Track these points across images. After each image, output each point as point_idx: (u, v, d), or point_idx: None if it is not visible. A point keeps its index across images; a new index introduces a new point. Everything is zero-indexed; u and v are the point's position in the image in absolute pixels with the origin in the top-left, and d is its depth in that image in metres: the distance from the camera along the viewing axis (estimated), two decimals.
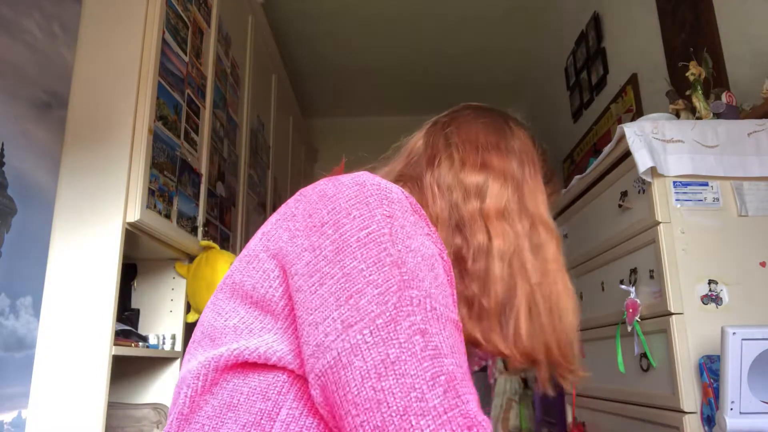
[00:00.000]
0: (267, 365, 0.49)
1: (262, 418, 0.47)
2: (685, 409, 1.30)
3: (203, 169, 1.98)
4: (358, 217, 0.49)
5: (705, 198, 1.42)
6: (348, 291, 0.46)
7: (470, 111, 0.76)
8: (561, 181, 0.81)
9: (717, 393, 1.18)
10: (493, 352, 0.62)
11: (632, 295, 1.50)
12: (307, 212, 0.52)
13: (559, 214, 2.15)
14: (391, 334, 0.43)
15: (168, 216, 1.67)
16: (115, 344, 1.42)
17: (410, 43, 3.81)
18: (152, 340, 1.74)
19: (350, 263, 0.47)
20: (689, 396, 1.31)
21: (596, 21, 3.08)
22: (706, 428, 1.26)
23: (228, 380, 0.50)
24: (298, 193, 0.56)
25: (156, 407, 1.71)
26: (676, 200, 1.42)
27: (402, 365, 0.42)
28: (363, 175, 0.54)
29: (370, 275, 0.46)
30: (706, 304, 1.36)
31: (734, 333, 1.06)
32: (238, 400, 0.49)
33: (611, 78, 2.96)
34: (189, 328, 1.89)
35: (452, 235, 0.63)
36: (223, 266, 1.86)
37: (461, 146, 0.70)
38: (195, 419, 0.50)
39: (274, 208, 3.60)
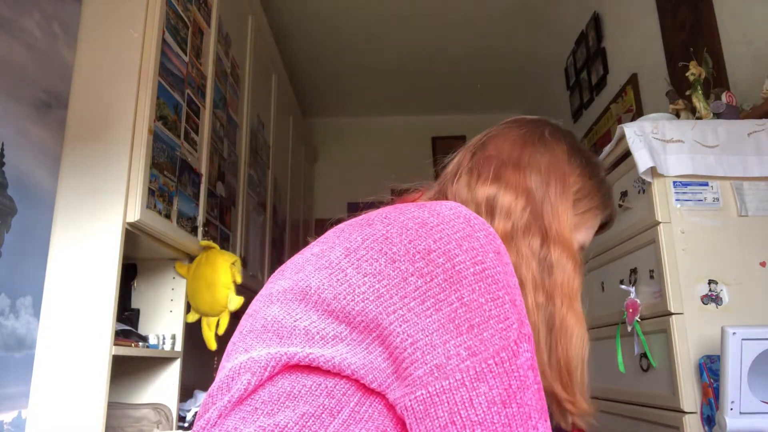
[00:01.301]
0: (341, 375, 0.51)
1: (323, 413, 0.49)
2: (685, 409, 1.30)
3: (203, 169, 1.98)
4: (471, 251, 0.51)
5: (705, 198, 1.42)
6: (469, 321, 0.49)
7: (507, 124, 0.75)
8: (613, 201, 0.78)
9: (717, 393, 1.18)
10: None
11: (632, 295, 1.50)
12: (406, 238, 0.53)
13: None
14: (513, 367, 0.48)
15: (168, 216, 1.67)
16: (115, 344, 1.43)
17: (410, 44, 3.81)
18: (152, 340, 1.74)
19: (468, 295, 0.49)
20: (689, 396, 1.31)
21: (596, 21, 3.08)
22: (706, 428, 1.26)
23: (292, 372, 0.51)
24: (383, 216, 0.56)
25: (156, 407, 1.71)
26: (676, 200, 1.42)
27: (522, 396, 0.48)
28: (460, 207, 0.55)
29: (490, 310, 0.49)
30: (706, 304, 1.36)
31: (734, 333, 1.06)
32: (300, 391, 0.50)
33: (611, 78, 2.96)
34: (189, 328, 1.90)
35: None
36: (223, 266, 1.86)
37: (482, 161, 0.69)
38: (248, 402, 0.51)
39: (274, 208, 3.58)
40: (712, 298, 1.36)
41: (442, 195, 0.70)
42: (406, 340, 0.49)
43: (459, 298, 0.49)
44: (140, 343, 1.66)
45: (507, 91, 4.49)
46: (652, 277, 1.45)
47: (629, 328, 1.49)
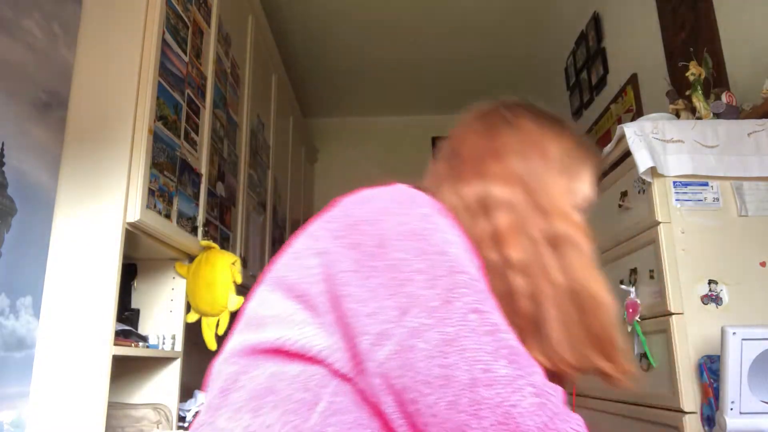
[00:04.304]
0: (306, 356, 0.51)
1: (301, 407, 0.49)
2: (685, 409, 1.30)
3: (203, 169, 1.98)
4: (395, 215, 0.53)
5: (705, 198, 1.42)
6: (397, 280, 0.49)
7: (466, 116, 0.75)
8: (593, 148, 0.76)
9: (717, 393, 1.18)
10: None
11: (632, 295, 1.50)
12: (344, 213, 0.55)
13: None
14: (447, 314, 0.46)
15: (168, 216, 1.67)
16: (115, 344, 1.42)
17: (410, 43, 3.81)
18: (152, 340, 1.74)
19: (393, 254, 0.50)
20: (689, 396, 1.31)
21: (596, 21, 3.08)
22: (706, 428, 1.26)
23: (268, 365, 0.52)
24: (340, 199, 0.59)
25: (156, 407, 1.71)
26: (676, 200, 1.42)
27: (462, 341, 0.45)
28: (397, 185, 0.58)
29: (415, 264, 0.49)
30: (706, 304, 1.36)
31: (734, 333, 1.06)
32: (278, 386, 0.51)
33: (611, 78, 2.96)
34: (189, 328, 1.89)
35: None
36: (223, 266, 1.86)
37: (457, 164, 0.68)
38: (232, 398, 0.52)
39: (274, 208, 3.59)
40: (712, 298, 1.36)
41: None
42: (351, 315, 0.49)
43: (385, 260, 0.50)
44: (140, 343, 1.66)
45: (507, 91, 4.46)
46: (652, 277, 1.45)
47: (629, 329, 1.49)
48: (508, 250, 0.60)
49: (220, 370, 0.55)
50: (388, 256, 0.50)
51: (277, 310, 0.54)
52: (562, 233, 0.62)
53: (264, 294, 0.57)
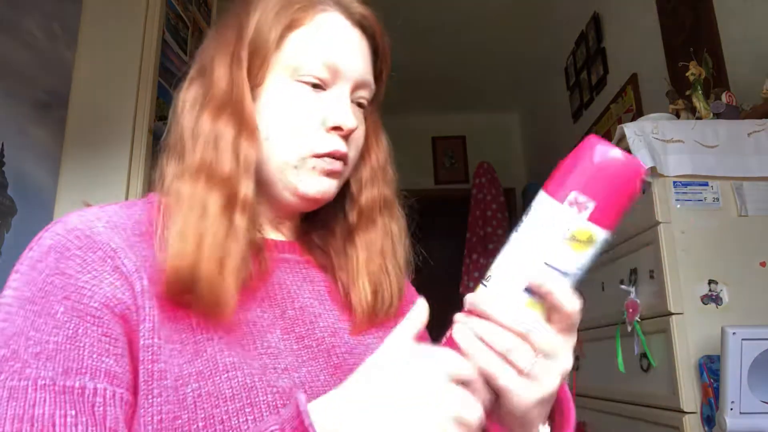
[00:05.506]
0: None
1: None
2: (685, 409, 1.30)
3: None
4: None
5: (705, 198, 1.42)
6: None
7: None
8: None
9: (717, 393, 1.18)
10: None
11: (632, 296, 1.50)
12: None
13: None
14: None
15: None
16: None
17: (410, 44, 3.81)
18: None
19: None
20: (689, 396, 1.31)
21: (596, 21, 3.08)
22: (706, 428, 1.26)
23: None
24: None
25: None
26: (676, 200, 1.42)
27: None
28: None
29: None
30: (706, 304, 1.36)
31: (734, 333, 1.07)
32: None
33: (611, 78, 2.96)
34: None
35: None
36: None
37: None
38: None
39: None
40: (712, 298, 1.36)
41: None
42: None
43: None
44: None
45: (507, 91, 4.49)
46: (652, 277, 1.45)
47: (629, 328, 1.49)
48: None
49: None
50: None
51: None
52: (205, 124, 0.58)
53: None
